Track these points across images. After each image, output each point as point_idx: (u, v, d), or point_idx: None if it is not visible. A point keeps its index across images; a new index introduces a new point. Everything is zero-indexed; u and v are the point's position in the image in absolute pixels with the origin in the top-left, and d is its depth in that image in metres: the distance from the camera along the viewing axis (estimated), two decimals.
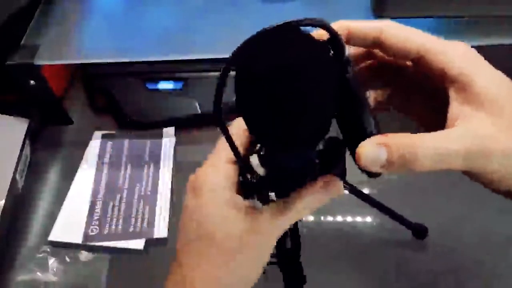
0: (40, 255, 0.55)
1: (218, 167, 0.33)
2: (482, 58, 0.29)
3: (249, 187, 0.33)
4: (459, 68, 0.28)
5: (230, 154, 0.32)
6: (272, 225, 0.31)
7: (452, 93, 0.28)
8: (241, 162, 0.32)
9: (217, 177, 0.33)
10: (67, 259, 0.55)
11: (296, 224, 0.39)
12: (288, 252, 0.39)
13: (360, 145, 0.27)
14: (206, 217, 0.32)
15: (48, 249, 0.55)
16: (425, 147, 0.26)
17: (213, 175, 0.33)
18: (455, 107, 0.28)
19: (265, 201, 0.33)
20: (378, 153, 0.26)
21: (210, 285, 0.31)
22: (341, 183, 0.32)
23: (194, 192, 0.33)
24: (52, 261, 0.54)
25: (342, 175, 0.37)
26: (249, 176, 0.32)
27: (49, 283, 0.53)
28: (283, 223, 0.32)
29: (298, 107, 0.26)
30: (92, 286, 0.53)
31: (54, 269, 0.54)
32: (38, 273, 0.54)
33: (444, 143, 0.26)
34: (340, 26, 0.29)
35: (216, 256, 0.31)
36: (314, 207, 0.32)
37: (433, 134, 0.27)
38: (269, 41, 0.26)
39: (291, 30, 0.26)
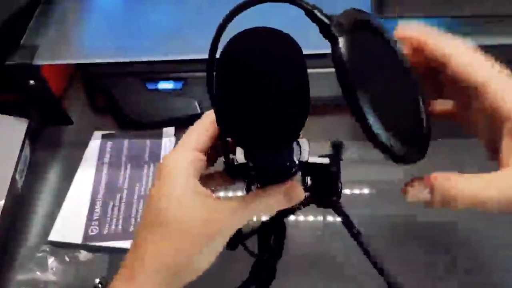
0: (40, 255, 0.55)
1: (180, 153, 0.34)
2: None
3: (233, 169, 0.34)
4: None
5: (199, 141, 0.33)
6: (229, 217, 0.32)
7: (506, 130, 0.29)
8: (224, 147, 0.32)
9: (179, 162, 0.33)
10: (67, 259, 0.55)
11: (283, 223, 0.39)
12: (271, 249, 0.39)
13: (409, 184, 0.30)
14: (162, 197, 0.32)
15: (48, 249, 0.55)
16: (464, 194, 0.29)
17: (174, 159, 0.33)
18: (507, 145, 0.29)
19: (252, 182, 0.34)
20: (422, 193, 0.30)
21: (159, 262, 0.32)
22: (301, 191, 0.33)
23: (157, 174, 0.34)
24: (51, 261, 0.54)
25: (336, 194, 0.37)
26: (232, 157, 0.33)
27: (49, 282, 0.53)
28: (240, 218, 0.32)
29: (265, 108, 0.26)
30: (91, 286, 0.53)
31: (54, 269, 0.54)
32: (37, 272, 0.54)
33: (483, 190, 0.28)
34: (419, 32, 0.32)
35: (167, 236, 0.32)
36: (273, 209, 0.33)
37: (474, 179, 0.29)
38: (240, 45, 0.26)
39: (265, 31, 0.26)
